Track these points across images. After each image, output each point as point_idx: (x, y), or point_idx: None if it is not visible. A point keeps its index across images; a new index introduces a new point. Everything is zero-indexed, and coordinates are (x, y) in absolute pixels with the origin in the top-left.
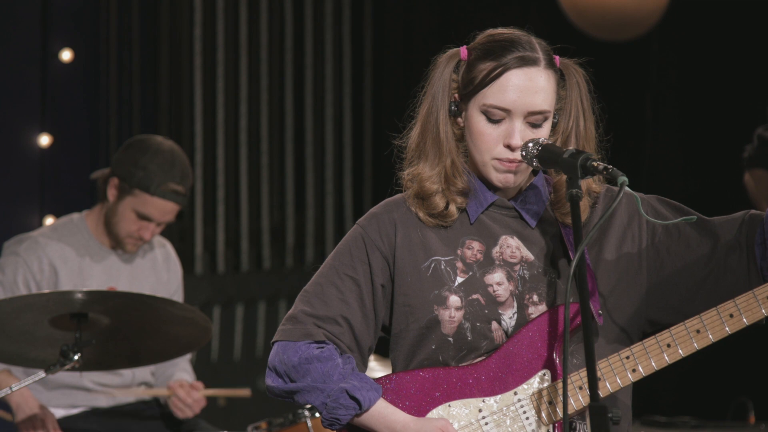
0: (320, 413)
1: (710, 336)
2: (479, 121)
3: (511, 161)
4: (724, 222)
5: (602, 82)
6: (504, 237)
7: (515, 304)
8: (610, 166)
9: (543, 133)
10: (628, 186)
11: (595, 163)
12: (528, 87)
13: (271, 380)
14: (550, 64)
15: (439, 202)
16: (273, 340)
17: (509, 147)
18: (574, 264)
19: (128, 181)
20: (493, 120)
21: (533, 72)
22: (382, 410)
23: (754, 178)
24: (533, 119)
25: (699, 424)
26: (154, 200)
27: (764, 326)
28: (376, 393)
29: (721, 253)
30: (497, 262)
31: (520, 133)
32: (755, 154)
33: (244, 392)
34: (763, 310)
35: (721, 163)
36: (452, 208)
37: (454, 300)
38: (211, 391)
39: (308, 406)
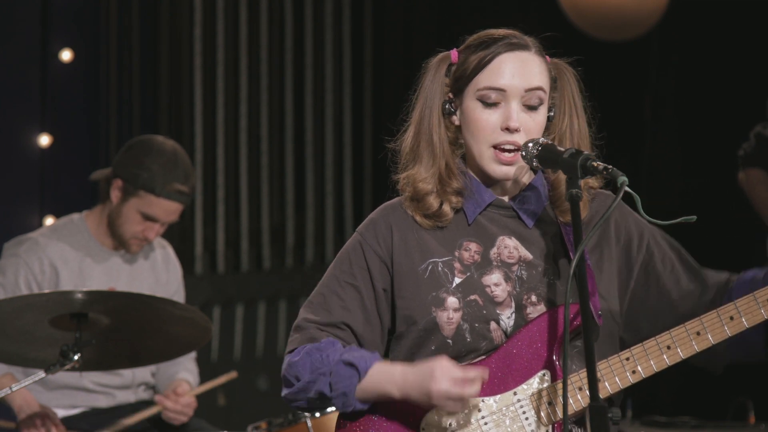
0: (332, 401)
1: (710, 338)
2: (475, 109)
3: (511, 143)
4: (713, 275)
5: (602, 82)
6: (501, 238)
7: (513, 305)
8: (610, 166)
9: (540, 117)
10: (627, 186)
11: (595, 163)
12: (521, 67)
13: (285, 390)
14: (541, 54)
15: (433, 202)
16: (285, 353)
17: (508, 129)
18: (573, 264)
19: (132, 182)
20: (489, 104)
21: (524, 55)
22: (381, 368)
23: (750, 178)
24: (530, 99)
25: (699, 424)
26: (160, 201)
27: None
28: (371, 356)
29: (706, 301)
30: (495, 263)
31: (517, 114)
32: (752, 152)
33: (231, 376)
34: (763, 313)
35: (721, 164)
36: (446, 207)
37: (452, 301)
38: (198, 389)
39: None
